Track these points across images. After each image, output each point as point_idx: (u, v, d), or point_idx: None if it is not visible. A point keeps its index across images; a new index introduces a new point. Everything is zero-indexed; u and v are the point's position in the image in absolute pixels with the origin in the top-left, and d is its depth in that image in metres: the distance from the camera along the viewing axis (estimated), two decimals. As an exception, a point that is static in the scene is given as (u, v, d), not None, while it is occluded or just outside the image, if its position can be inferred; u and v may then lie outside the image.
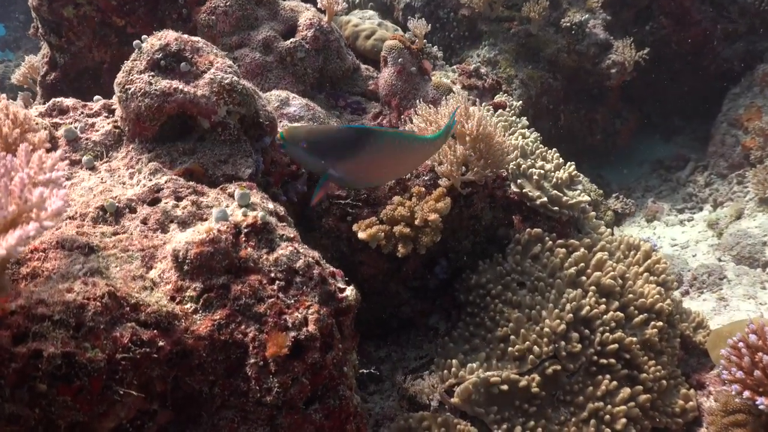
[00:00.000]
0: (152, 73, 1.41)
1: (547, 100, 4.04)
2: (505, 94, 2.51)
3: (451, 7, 4.05)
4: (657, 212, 3.87)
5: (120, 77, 1.42)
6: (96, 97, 1.60)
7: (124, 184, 1.32)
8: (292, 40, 2.18)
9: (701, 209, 3.91)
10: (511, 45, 4.01)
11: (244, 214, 1.17)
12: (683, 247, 3.51)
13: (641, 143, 4.72)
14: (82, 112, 1.53)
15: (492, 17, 4.05)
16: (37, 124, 1.40)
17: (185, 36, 1.50)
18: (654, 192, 4.27)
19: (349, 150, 1.46)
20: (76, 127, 1.47)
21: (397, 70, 2.12)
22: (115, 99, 1.58)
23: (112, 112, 1.55)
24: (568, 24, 3.94)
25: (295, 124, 1.75)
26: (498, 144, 1.88)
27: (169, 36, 1.46)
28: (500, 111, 2.37)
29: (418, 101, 1.98)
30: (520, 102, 2.49)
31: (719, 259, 3.29)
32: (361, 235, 1.77)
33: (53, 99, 1.53)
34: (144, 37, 1.49)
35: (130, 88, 1.39)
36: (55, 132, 1.46)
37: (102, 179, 1.33)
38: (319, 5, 2.31)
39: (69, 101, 1.54)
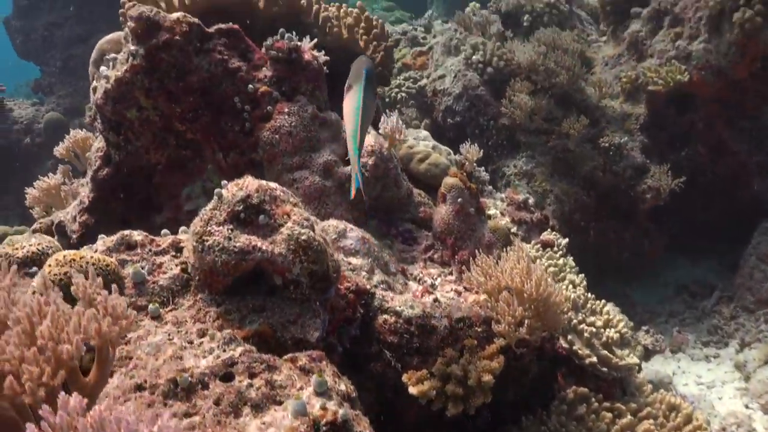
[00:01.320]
0: (231, 227, 1.38)
1: (579, 217, 4.04)
2: (553, 232, 2.49)
3: (492, 116, 4.09)
4: (682, 344, 3.81)
5: (198, 226, 1.39)
6: (164, 232, 1.57)
7: (191, 343, 1.28)
8: (352, 166, 2.17)
9: (727, 345, 3.84)
10: (547, 158, 4.04)
11: (323, 408, 1.12)
12: (709, 386, 3.44)
13: (667, 263, 4.69)
14: (150, 249, 1.50)
15: (531, 128, 4.09)
16: (107, 265, 1.36)
17: (264, 184, 1.48)
18: (678, 318, 4.22)
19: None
20: (143, 267, 1.44)
21: (456, 209, 2.11)
22: (183, 237, 1.56)
23: (179, 250, 1.52)
24: (607, 144, 3.97)
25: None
26: (555, 305, 1.84)
27: (250, 186, 1.44)
28: (549, 252, 2.35)
29: (477, 251, 1.95)
30: (567, 240, 2.46)
31: (746, 406, 3.21)
32: (413, 390, 1.72)
33: (121, 233, 1.50)
34: (224, 183, 1.47)
35: (207, 241, 1.36)
36: (122, 270, 1.43)
37: (169, 336, 1.29)
38: (380, 130, 2.31)
39: (138, 236, 1.51)
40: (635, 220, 4.38)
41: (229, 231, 1.37)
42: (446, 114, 4.16)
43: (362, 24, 2.82)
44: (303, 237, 1.43)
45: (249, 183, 1.45)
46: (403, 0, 11.92)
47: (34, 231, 2.80)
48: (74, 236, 2.30)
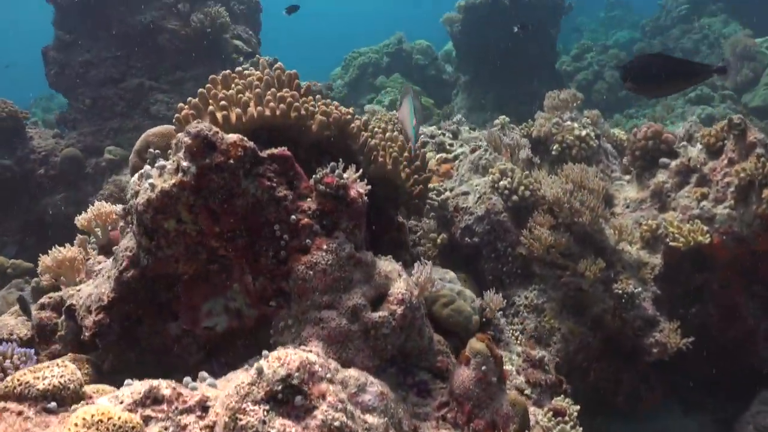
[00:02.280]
0: (267, 407, 1.35)
1: (582, 358, 3.99)
2: (566, 398, 2.45)
3: (510, 243, 4.09)
4: None
5: (233, 401, 1.36)
6: (192, 385, 1.53)
7: None
8: (380, 314, 2.14)
9: None
10: (559, 293, 4.02)
11: None
12: None
13: (661, 410, 4.61)
14: (176, 407, 1.45)
15: (547, 260, 4.09)
16: (133, 427, 1.31)
17: (305, 360, 1.45)
18: (667, 476, 4.13)
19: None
20: (167, 428, 1.39)
21: (478, 377, 2.07)
22: (210, 394, 1.51)
23: (205, 409, 1.48)
24: (620, 291, 3.96)
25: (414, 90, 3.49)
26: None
27: (292, 364, 1.41)
28: (561, 425, 2.30)
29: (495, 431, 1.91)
30: (578, 407, 2.42)
31: None
32: None
33: (150, 383, 1.46)
34: (264, 353, 1.44)
35: (241, 420, 1.32)
36: (145, 428, 1.38)
37: None
38: (413, 278, 2.30)
39: (166, 389, 1.46)
40: (636, 365, 4.34)
41: (265, 413, 1.34)
42: (465, 233, 4.17)
43: (405, 153, 2.85)
44: (336, 423, 1.40)
45: (290, 360, 1.42)
46: (428, 86, 12.21)
47: (42, 306, 2.75)
48: (87, 333, 2.25)
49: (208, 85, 2.59)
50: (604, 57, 12.70)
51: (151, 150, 2.59)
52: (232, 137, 2.11)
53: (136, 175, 2.37)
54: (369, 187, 2.41)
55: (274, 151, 2.22)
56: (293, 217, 2.17)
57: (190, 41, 7.49)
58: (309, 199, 2.23)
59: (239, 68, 2.66)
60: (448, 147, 5.40)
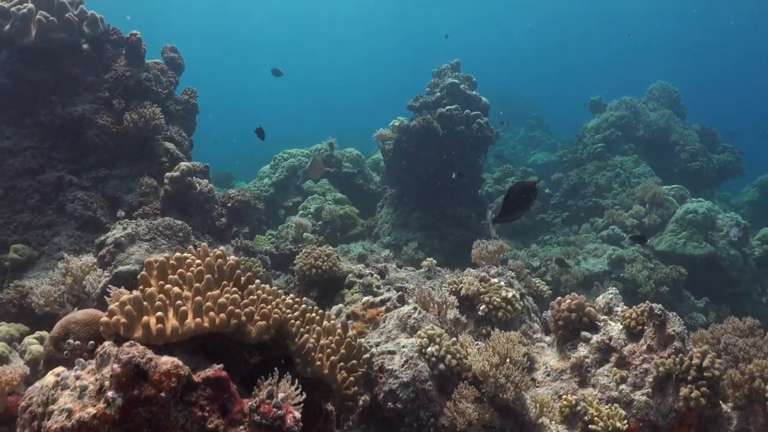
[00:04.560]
0: None
1: None
2: None
3: (434, 412, 4.02)
4: None
5: None
6: None
7: None
8: None
9: None
10: (479, 469, 3.95)
11: None
12: None
13: None
14: None
15: (468, 432, 4.04)
16: None
17: None
18: None
19: None
20: None
21: None
22: None
23: None
24: (539, 473, 3.94)
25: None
26: None
27: None
28: None
29: None
30: None
31: None
32: None
33: None
34: None
35: None
36: None
37: None
38: None
39: None
40: None
41: None
42: (388, 397, 4.06)
43: (342, 350, 2.77)
44: None
45: None
46: (355, 194, 12.30)
47: None
48: None
49: (143, 273, 2.45)
50: (525, 182, 13.24)
51: (71, 341, 2.41)
52: (166, 365, 1.97)
53: (51, 378, 2.17)
54: (304, 396, 2.31)
55: (209, 373, 2.09)
56: (222, 452, 2.02)
57: (120, 139, 7.28)
58: (241, 427, 2.10)
59: (178, 254, 2.54)
60: (375, 289, 5.36)
